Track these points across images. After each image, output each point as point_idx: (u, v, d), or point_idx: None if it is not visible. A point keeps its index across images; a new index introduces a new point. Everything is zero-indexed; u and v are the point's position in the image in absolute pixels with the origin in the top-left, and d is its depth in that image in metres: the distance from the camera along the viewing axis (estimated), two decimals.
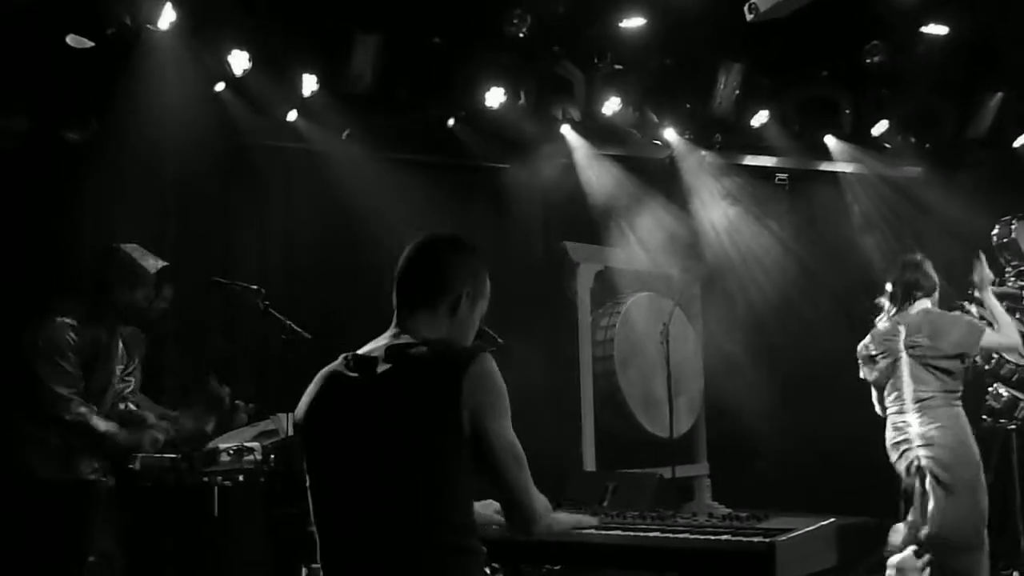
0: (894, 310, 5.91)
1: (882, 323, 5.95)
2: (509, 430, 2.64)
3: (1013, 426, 7.20)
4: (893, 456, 5.84)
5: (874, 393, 5.96)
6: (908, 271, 5.96)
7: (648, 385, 8.25)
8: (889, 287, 5.97)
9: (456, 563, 2.60)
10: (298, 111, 6.98)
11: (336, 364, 2.79)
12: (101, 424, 4.62)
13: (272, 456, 5.24)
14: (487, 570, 2.66)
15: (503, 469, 2.64)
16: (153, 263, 4.85)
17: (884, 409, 5.92)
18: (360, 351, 2.78)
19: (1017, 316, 7.84)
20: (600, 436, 8.13)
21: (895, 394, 5.83)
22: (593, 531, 3.15)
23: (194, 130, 6.29)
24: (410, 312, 2.79)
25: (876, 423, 6.19)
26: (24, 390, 4.60)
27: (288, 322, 5.30)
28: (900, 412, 5.80)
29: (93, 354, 4.71)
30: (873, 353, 5.90)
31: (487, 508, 3.06)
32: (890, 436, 5.85)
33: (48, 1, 5.66)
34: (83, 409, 4.57)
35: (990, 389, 7.32)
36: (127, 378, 5.05)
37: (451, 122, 7.52)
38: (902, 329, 5.83)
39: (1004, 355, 7.01)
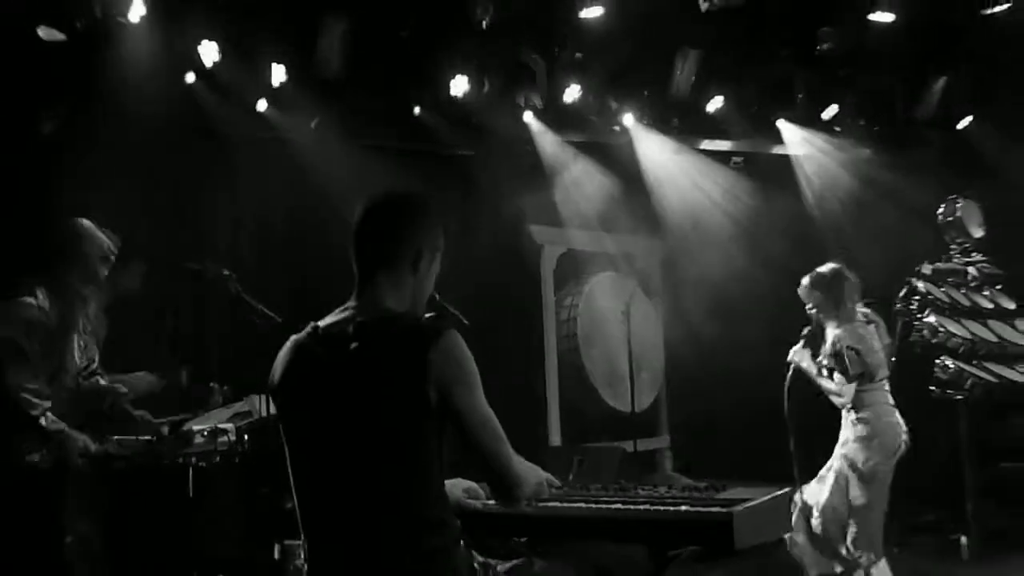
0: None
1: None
2: (483, 403, 2.59)
3: (960, 397, 7.26)
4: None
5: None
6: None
7: (611, 362, 8.25)
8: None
9: (431, 537, 2.56)
10: (268, 100, 6.89)
11: (303, 336, 2.72)
12: (47, 424, 4.52)
13: (246, 437, 5.17)
14: (461, 543, 2.60)
15: (481, 442, 2.58)
16: (105, 235, 4.77)
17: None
18: (326, 321, 2.71)
19: (963, 291, 7.92)
20: (565, 412, 8.13)
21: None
22: (558, 504, 3.12)
23: (166, 120, 6.19)
24: (371, 275, 2.71)
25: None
26: None
27: (260, 306, 5.23)
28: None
29: (57, 331, 4.62)
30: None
31: (455, 487, 3.03)
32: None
33: None
34: (35, 412, 4.48)
35: (937, 361, 7.38)
36: (88, 353, 4.94)
37: (417, 110, 7.46)
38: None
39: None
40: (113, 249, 4.85)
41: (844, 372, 5.60)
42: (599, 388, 8.26)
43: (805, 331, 5.88)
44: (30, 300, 4.57)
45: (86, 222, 4.81)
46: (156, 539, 4.68)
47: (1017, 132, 7.82)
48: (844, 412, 5.72)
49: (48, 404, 4.55)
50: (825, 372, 5.71)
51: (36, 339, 4.54)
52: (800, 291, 5.91)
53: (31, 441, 4.49)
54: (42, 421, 4.51)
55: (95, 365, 4.99)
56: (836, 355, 5.63)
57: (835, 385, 5.65)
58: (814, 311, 5.83)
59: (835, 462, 5.71)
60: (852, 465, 5.62)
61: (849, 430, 5.70)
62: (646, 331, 8.44)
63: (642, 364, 8.11)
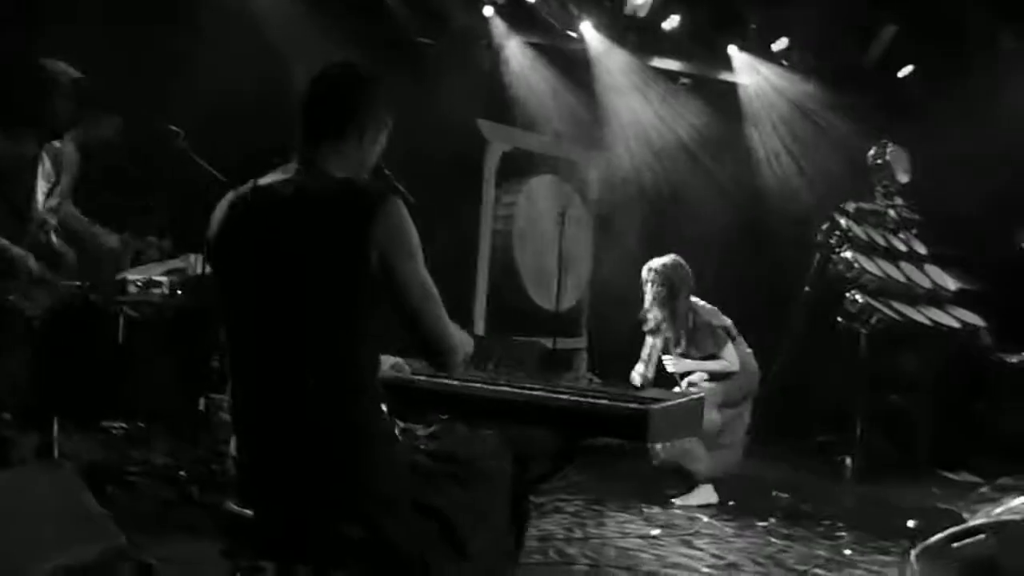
0: None
1: None
2: (422, 269, 2.56)
3: (864, 331, 7.42)
4: None
5: None
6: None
7: (541, 261, 8.26)
8: None
9: (357, 400, 2.53)
10: None
11: (243, 191, 2.65)
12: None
13: (179, 292, 5.09)
14: (384, 408, 2.59)
15: (418, 306, 2.55)
16: (70, 74, 4.59)
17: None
18: (266, 180, 2.65)
19: (881, 232, 8.05)
20: (491, 304, 8.15)
21: None
22: (482, 385, 3.13)
23: None
24: (315, 142, 2.64)
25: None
26: None
27: (205, 164, 5.10)
28: None
29: (15, 166, 4.46)
30: None
31: (383, 363, 3.00)
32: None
33: None
34: None
35: (847, 295, 7.52)
36: (52, 197, 4.78)
37: None
38: None
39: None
40: (78, 90, 4.63)
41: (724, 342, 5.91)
42: (527, 284, 8.28)
43: (647, 343, 6.10)
44: None
45: (55, 61, 4.59)
46: (84, 382, 4.62)
47: (955, 87, 7.86)
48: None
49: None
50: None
51: None
52: (651, 277, 6.04)
53: None
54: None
55: (63, 202, 4.81)
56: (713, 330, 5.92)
57: (723, 362, 5.93)
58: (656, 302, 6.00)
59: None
60: None
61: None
62: (578, 236, 8.45)
63: (570, 267, 8.13)
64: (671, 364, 5.98)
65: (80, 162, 5.04)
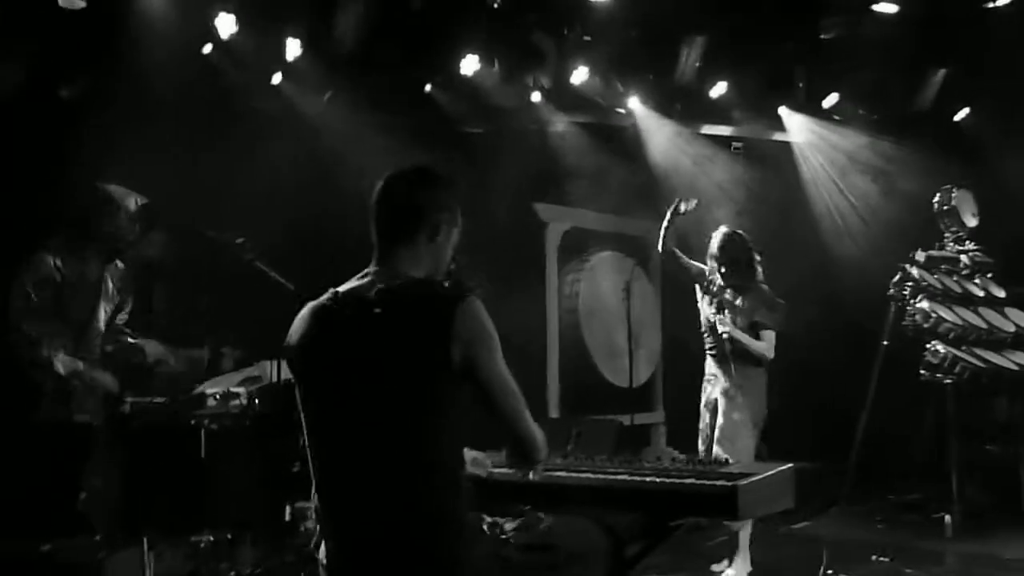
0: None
1: None
2: (504, 367, 2.58)
3: (949, 381, 7.24)
4: None
5: None
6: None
7: (610, 337, 8.24)
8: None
9: (445, 498, 2.54)
10: (283, 73, 6.84)
11: (323, 300, 2.69)
12: (62, 366, 4.50)
13: (257, 401, 5.16)
14: (469, 504, 2.58)
15: (503, 404, 2.57)
16: (134, 200, 4.75)
17: None
18: (346, 288, 2.69)
19: (955, 279, 7.90)
20: (564, 385, 8.13)
21: None
22: (565, 473, 3.11)
23: (183, 89, 6.14)
24: (390, 246, 2.70)
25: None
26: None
27: (272, 273, 5.20)
28: None
29: (79, 288, 4.61)
30: None
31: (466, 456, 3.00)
32: None
33: None
34: (45, 352, 4.46)
35: (928, 346, 7.36)
36: (121, 315, 4.92)
37: (428, 87, 7.41)
38: None
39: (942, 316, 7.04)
40: (143, 214, 4.81)
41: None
42: (598, 362, 8.25)
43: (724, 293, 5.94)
44: (46, 256, 4.57)
45: (115, 186, 4.78)
46: (169, 498, 4.67)
47: (1012, 124, 7.76)
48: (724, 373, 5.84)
49: (60, 347, 4.51)
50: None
51: (47, 292, 4.52)
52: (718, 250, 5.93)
53: (52, 396, 4.47)
54: (57, 364, 4.47)
55: (123, 323, 4.96)
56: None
57: (764, 344, 5.79)
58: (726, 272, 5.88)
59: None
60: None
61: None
62: (645, 309, 8.43)
63: (640, 341, 8.09)
64: (725, 327, 5.85)
65: (143, 280, 5.19)
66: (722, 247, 5.95)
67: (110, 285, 4.83)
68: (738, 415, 5.75)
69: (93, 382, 4.62)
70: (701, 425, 6.00)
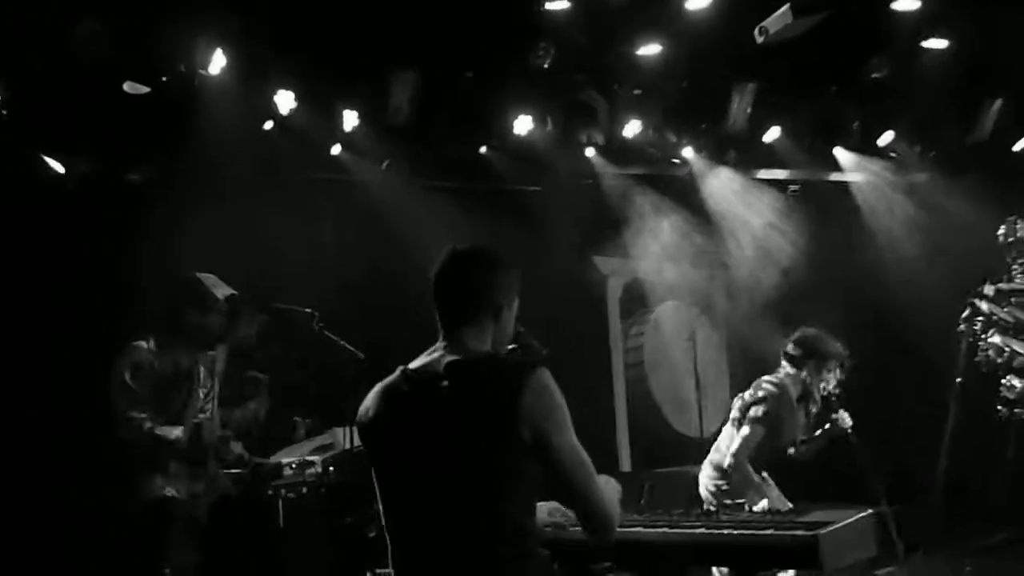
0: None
1: None
2: (575, 441, 2.59)
3: None
4: None
5: None
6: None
7: (677, 388, 8.20)
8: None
9: (520, 568, 2.56)
10: (341, 144, 7.02)
11: (394, 378, 2.75)
12: (172, 431, 4.60)
13: (331, 468, 5.23)
14: (548, 567, 2.60)
15: (575, 480, 2.58)
16: (223, 291, 4.86)
17: None
18: (415, 365, 2.74)
19: None
20: (634, 438, 8.09)
21: None
22: (642, 528, 3.10)
23: (246, 166, 6.32)
24: (455, 326, 2.75)
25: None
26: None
27: (341, 342, 5.29)
28: None
29: (174, 377, 4.71)
30: None
31: (540, 510, 3.01)
32: None
33: (107, 52, 5.68)
34: (148, 424, 4.55)
35: (1003, 381, 7.21)
36: (208, 401, 5.00)
37: (483, 150, 7.53)
38: None
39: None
40: (232, 306, 4.91)
41: None
42: (667, 414, 8.21)
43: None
44: (141, 344, 4.70)
45: (209, 276, 4.90)
46: (249, 569, 4.73)
47: None
48: None
49: (178, 432, 4.61)
50: None
51: (143, 380, 4.63)
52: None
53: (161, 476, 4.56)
54: (164, 430, 4.56)
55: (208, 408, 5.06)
56: None
57: None
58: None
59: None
60: None
61: None
62: (710, 358, 8.38)
63: (707, 390, 8.03)
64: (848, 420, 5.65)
65: (234, 366, 5.29)
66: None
67: (204, 374, 4.91)
68: None
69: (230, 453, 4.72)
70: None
